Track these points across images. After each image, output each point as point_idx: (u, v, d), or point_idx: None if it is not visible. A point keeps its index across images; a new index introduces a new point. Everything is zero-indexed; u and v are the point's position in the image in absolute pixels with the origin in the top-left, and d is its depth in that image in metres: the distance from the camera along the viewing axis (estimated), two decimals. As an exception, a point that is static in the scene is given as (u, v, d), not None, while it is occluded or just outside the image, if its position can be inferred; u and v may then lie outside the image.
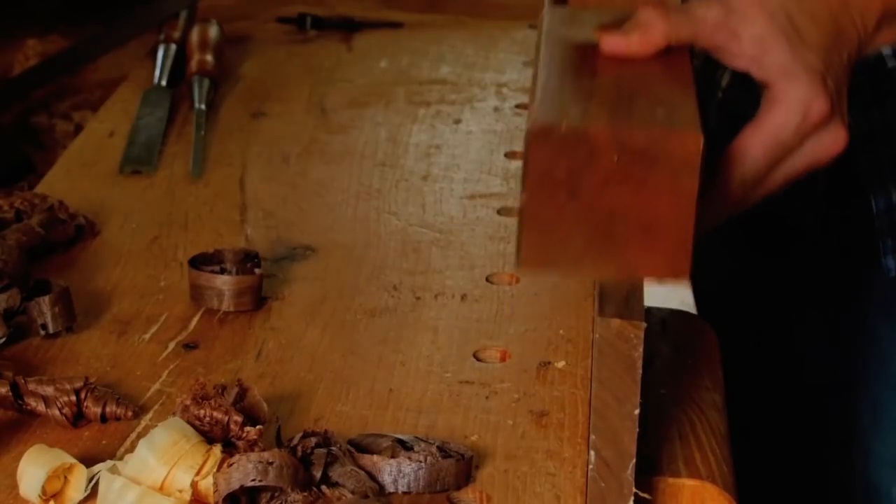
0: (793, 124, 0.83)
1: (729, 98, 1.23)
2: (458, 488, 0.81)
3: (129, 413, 0.87)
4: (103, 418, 0.86)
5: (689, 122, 0.72)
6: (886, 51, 1.13)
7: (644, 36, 0.82)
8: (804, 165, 0.85)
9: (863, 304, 1.28)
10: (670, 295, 1.52)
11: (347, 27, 1.56)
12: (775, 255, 1.36)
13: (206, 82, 1.35)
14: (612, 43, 0.82)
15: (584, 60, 0.81)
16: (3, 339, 0.94)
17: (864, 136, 1.16)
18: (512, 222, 1.13)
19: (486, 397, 0.90)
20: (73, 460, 0.80)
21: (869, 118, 1.16)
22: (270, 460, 0.76)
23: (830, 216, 1.27)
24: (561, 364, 0.93)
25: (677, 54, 0.82)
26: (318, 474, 0.79)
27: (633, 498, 0.77)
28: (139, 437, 0.83)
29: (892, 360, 1.26)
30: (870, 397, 1.29)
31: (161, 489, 0.78)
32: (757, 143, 0.83)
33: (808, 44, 0.84)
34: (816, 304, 1.35)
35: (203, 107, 1.32)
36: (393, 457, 0.81)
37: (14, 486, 0.80)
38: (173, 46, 1.43)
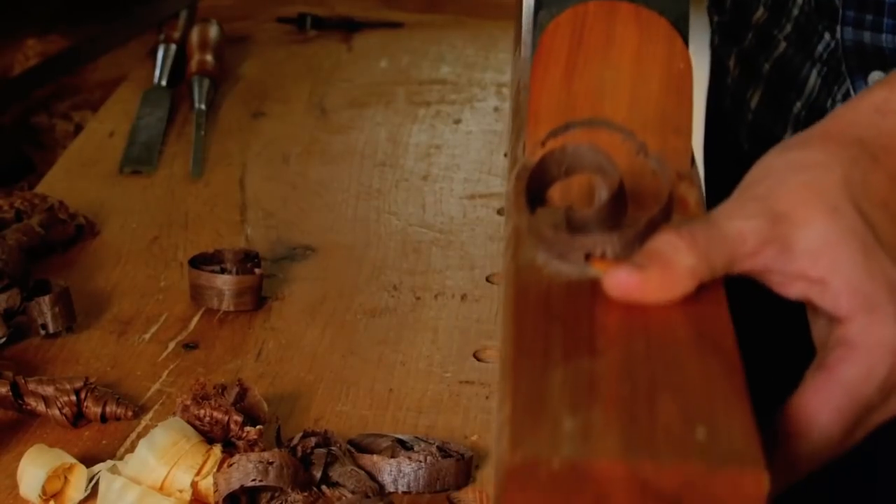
0: (879, 378, 0.60)
1: (761, 119, 1.14)
2: (458, 488, 0.81)
3: (129, 413, 0.87)
4: (103, 418, 0.86)
5: (747, 450, 0.49)
6: None
7: (666, 275, 0.59)
8: (887, 419, 0.63)
9: None
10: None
11: (347, 27, 1.56)
12: None
13: (206, 82, 1.35)
14: (621, 284, 0.58)
15: (576, 315, 0.57)
16: (3, 339, 0.94)
17: None
18: (512, 222, 1.13)
19: (486, 397, 0.90)
20: (73, 460, 0.80)
21: None
22: (270, 460, 0.76)
23: None
24: (561, 364, 0.93)
25: (710, 298, 0.59)
26: (318, 474, 0.79)
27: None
28: (139, 437, 0.83)
29: None
30: None
31: (161, 489, 0.78)
32: (830, 405, 0.60)
33: (889, 248, 0.61)
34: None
35: (203, 107, 1.32)
36: (393, 457, 0.81)
37: (14, 486, 0.80)
38: (173, 46, 1.43)
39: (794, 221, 0.61)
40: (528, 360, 0.54)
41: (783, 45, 1.10)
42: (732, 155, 1.23)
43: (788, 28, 1.09)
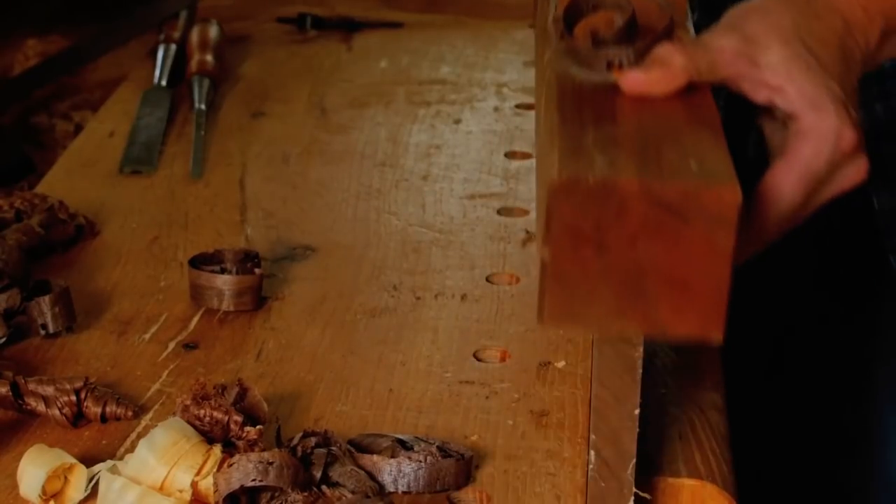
0: (824, 156, 0.81)
1: (733, 99, 1.21)
2: (458, 488, 0.81)
3: (129, 413, 0.87)
4: (103, 418, 0.86)
5: (724, 174, 0.68)
6: None
7: (665, 72, 0.78)
8: (831, 195, 0.84)
9: (876, 309, 1.28)
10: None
11: (347, 27, 1.56)
12: (778, 256, 1.36)
13: (206, 82, 1.35)
14: (632, 81, 0.78)
15: (601, 103, 0.76)
16: (3, 339, 0.94)
17: (867, 133, 1.16)
18: (512, 222, 1.13)
19: (486, 397, 0.90)
20: (73, 460, 0.80)
21: (872, 115, 1.16)
22: (270, 460, 0.76)
23: (832, 215, 1.27)
24: (561, 364, 0.93)
25: (700, 94, 0.78)
26: (318, 474, 0.79)
27: (633, 498, 0.77)
28: (139, 437, 0.83)
29: None
30: (887, 388, 1.29)
31: (161, 489, 0.78)
32: (790, 178, 0.81)
33: (826, 69, 0.82)
34: (827, 307, 1.35)
35: (203, 107, 1.32)
36: (393, 457, 0.81)
37: (14, 486, 0.80)
38: (173, 46, 1.43)
39: (759, 44, 0.81)
40: (568, 124, 0.73)
41: None
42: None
43: None
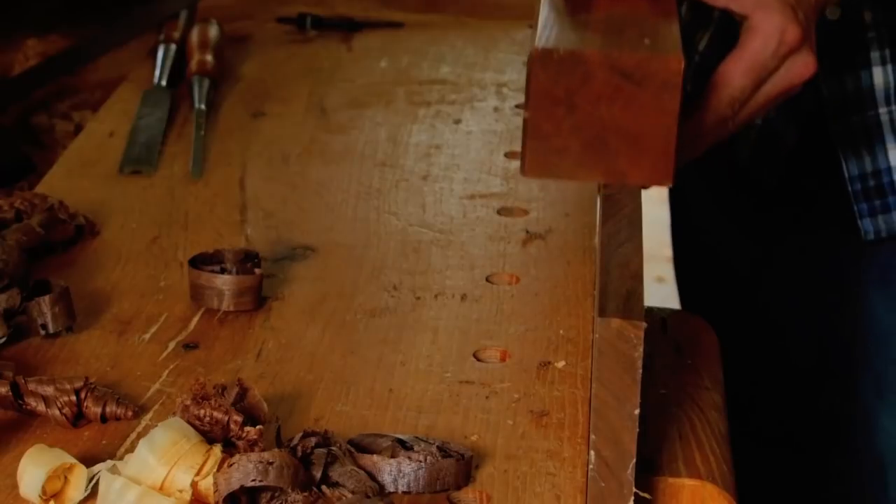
0: (770, 48, 0.91)
1: (706, 61, 1.26)
2: (458, 488, 0.81)
3: (129, 413, 0.87)
4: (103, 418, 0.86)
5: (672, 48, 0.80)
6: (867, 19, 1.16)
7: None
8: (782, 88, 0.93)
9: (853, 279, 1.29)
10: (671, 295, 1.53)
11: (347, 27, 1.56)
12: (752, 226, 1.37)
13: (206, 82, 1.35)
14: None
15: (581, 0, 0.89)
16: (3, 339, 0.94)
17: (837, 102, 1.20)
18: (512, 222, 1.13)
19: (486, 397, 0.90)
20: (73, 460, 0.80)
21: (842, 84, 1.19)
22: (270, 460, 0.76)
23: (805, 183, 1.29)
24: (561, 364, 0.93)
25: None
26: (318, 474, 0.79)
27: (633, 498, 0.77)
28: (139, 437, 0.83)
29: (893, 339, 1.27)
30: (872, 374, 1.30)
31: (161, 489, 0.78)
32: (740, 66, 0.91)
33: None
34: (804, 288, 1.35)
35: (203, 107, 1.32)
36: (393, 457, 0.81)
37: (14, 486, 0.80)
38: (173, 46, 1.43)
39: None
40: (550, 11, 0.84)
41: None
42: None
43: None
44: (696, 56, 1.30)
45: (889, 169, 1.22)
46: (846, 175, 1.23)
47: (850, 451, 1.34)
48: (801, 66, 0.92)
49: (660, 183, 0.80)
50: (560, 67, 0.78)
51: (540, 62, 0.78)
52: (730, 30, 1.06)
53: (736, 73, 0.91)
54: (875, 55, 1.20)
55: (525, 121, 0.80)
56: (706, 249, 1.45)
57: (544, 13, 0.86)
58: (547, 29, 0.82)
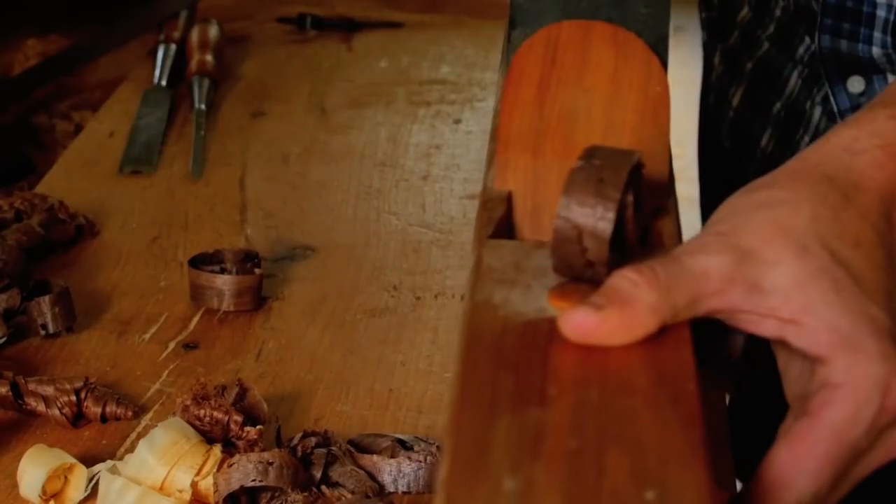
0: (866, 420, 0.57)
1: (740, 118, 1.15)
2: (458, 488, 0.81)
3: (129, 413, 0.87)
4: (103, 418, 0.86)
5: None
6: None
7: (626, 315, 0.55)
8: (877, 466, 0.59)
9: None
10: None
11: (347, 27, 1.56)
12: None
13: (206, 82, 1.35)
14: (577, 325, 0.54)
15: (529, 361, 0.53)
16: (3, 339, 0.94)
17: None
18: (512, 222, 1.13)
19: (486, 397, 0.90)
20: (73, 460, 0.80)
21: None
22: (270, 460, 0.76)
23: None
24: (561, 364, 0.93)
25: (673, 342, 0.55)
26: (318, 474, 0.79)
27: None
28: (139, 437, 0.83)
29: None
30: None
31: (161, 489, 0.78)
32: (816, 452, 0.57)
33: (864, 286, 0.58)
34: None
35: (203, 107, 1.32)
36: (393, 457, 0.81)
37: (14, 486, 0.80)
38: (173, 46, 1.43)
39: (761, 259, 0.58)
40: (472, 411, 0.51)
41: (766, 45, 1.10)
42: (713, 152, 1.23)
43: (771, 28, 1.09)
44: (730, 112, 1.17)
45: None
46: None
47: None
48: None
49: None
50: None
51: None
52: (762, 83, 0.99)
53: (807, 466, 0.56)
54: None
55: None
56: None
57: (458, 407, 0.51)
58: (462, 464, 0.48)
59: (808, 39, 1.04)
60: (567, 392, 0.51)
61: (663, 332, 0.55)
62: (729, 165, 1.04)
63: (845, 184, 0.61)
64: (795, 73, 1.07)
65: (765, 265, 0.57)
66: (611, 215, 0.57)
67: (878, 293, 0.58)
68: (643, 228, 0.62)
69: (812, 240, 0.58)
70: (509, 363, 0.53)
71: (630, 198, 0.59)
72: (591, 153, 0.59)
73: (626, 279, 0.55)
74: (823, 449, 0.56)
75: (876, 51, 0.99)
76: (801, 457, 0.57)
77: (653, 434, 0.49)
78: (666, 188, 0.66)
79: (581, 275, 0.58)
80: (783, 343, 0.59)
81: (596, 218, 0.57)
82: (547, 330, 0.54)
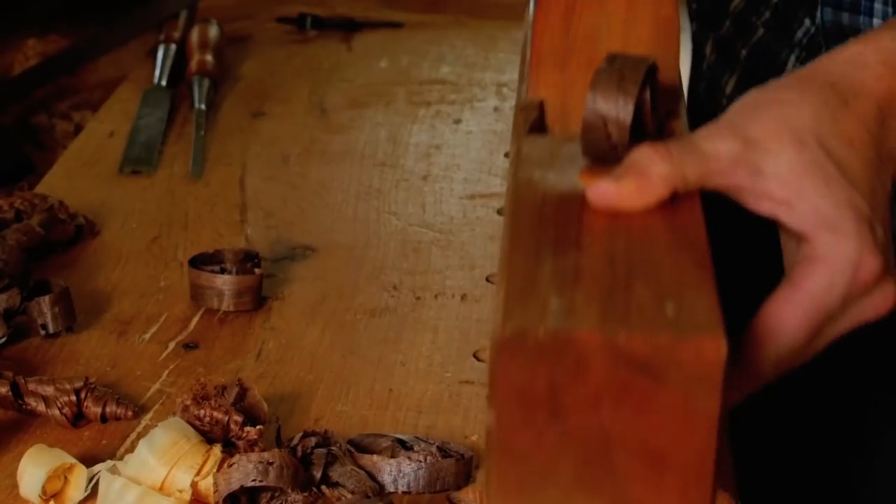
0: (839, 289, 0.68)
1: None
2: (458, 488, 0.81)
3: (129, 413, 0.87)
4: (103, 418, 0.86)
5: (708, 322, 0.56)
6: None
7: (641, 183, 0.65)
8: (846, 329, 0.70)
9: None
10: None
11: (347, 27, 1.56)
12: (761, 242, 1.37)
13: (206, 82, 1.35)
14: (601, 193, 0.65)
15: (566, 220, 0.64)
16: (3, 339, 0.94)
17: None
18: (512, 222, 1.13)
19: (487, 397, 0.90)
20: (73, 460, 0.80)
21: None
22: (270, 460, 0.76)
23: None
24: (561, 364, 0.93)
25: (686, 207, 0.66)
26: (318, 474, 0.79)
27: (633, 498, 0.76)
28: (139, 437, 0.83)
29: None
30: (869, 374, 1.29)
31: (161, 489, 0.78)
32: (796, 312, 0.68)
33: (851, 179, 0.68)
34: None
35: (203, 107, 1.32)
36: (393, 457, 0.81)
37: (14, 486, 0.80)
38: (173, 46, 1.43)
39: (765, 148, 0.67)
40: (521, 253, 0.61)
41: (761, 30, 1.10)
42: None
43: (767, 15, 1.09)
44: (724, 100, 1.18)
45: None
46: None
47: (843, 456, 1.34)
48: (878, 302, 0.69)
49: None
50: (540, 356, 0.55)
51: (510, 351, 0.56)
52: (757, 71, 1.02)
53: (789, 321, 0.68)
54: None
55: (489, 429, 0.59)
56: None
57: (510, 250, 0.62)
58: (517, 289, 0.58)
59: (807, 22, 1.05)
60: (599, 241, 0.62)
61: (679, 199, 0.65)
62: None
63: (846, 90, 0.70)
64: (793, 57, 1.07)
65: (768, 153, 0.67)
66: (630, 106, 0.67)
67: (863, 187, 0.68)
68: (659, 124, 0.72)
69: (810, 136, 0.68)
70: (549, 221, 0.64)
71: (647, 95, 0.70)
72: (612, 58, 0.69)
73: (642, 153, 0.66)
74: (802, 311, 0.67)
75: (877, 22, 0.99)
76: (784, 316, 0.68)
77: (670, 270, 0.60)
78: (677, 95, 0.77)
79: (606, 157, 0.67)
80: (778, 222, 0.69)
81: (618, 108, 0.67)
82: (580, 199, 0.65)
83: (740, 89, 1.16)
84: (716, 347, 0.55)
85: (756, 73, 1.12)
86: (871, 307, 0.70)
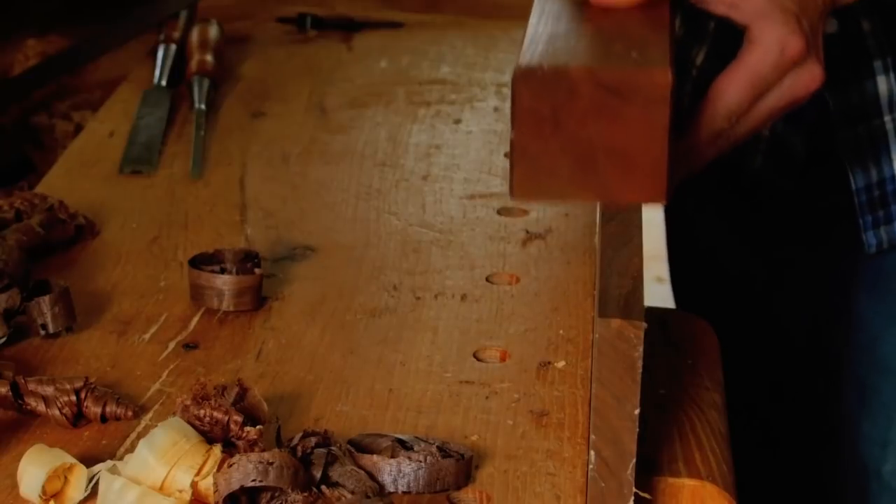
0: (770, 60, 0.87)
1: (704, 75, 1.24)
2: (458, 488, 0.81)
3: (129, 413, 0.87)
4: (103, 418, 0.86)
5: (660, 61, 0.77)
6: (866, 28, 1.16)
7: None
8: (786, 101, 0.89)
9: (847, 286, 1.29)
10: (670, 295, 1.53)
11: (347, 27, 1.56)
12: (751, 233, 1.37)
13: (206, 82, 1.36)
14: None
15: (573, 12, 0.85)
16: (3, 339, 0.95)
17: (843, 112, 1.19)
18: (512, 222, 1.13)
19: (486, 397, 0.90)
20: (73, 460, 0.80)
21: (847, 95, 1.18)
22: (270, 460, 0.76)
23: (811, 191, 1.28)
24: (561, 364, 0.93)
25: (658, 6, 0.87)
26: (318, 474, 0.79)
27: (633, 498, 0.77)
28: (139, 437, 0.83)
29: (878, 343, 1.27)
30: (856, 379, 1.30)
31: (161, 489, 0.78)
32: (736, 79, 0.87)
33: None
34: (799, 287, 1.35)
35: (203, 107, 1.32)
36: (393, 457, 0.81)
37: (14, 486, 0.80)
38: (173, 46, 1.43)
39: None
40: (538, 25, 0.82)
41: None
42: (674, 112, 1.25)
43: None
44: (693, 70, 1.28)
45: (893, 177, 1.20)
46: (853, 187, 1.20)
47: (836, 457, 1.34)
48: (807, 79, 0.88)
49: (652, 201, 0.77)
50: (544, 85, 0.75)
51: (523, 80, 0.76)
52: (726, 43, 1.05)
53: (732, 86, 0.87)
54: (877, 64, 1.18)
55: (511, 142, 0.77)
56: (703, 254, 1.45)
57: (532, 25, 0.83)
58: (532, 44, 0.80)
59: None
60: (593, 21, 0.83)
61: (651, 4, 0.86)
62: (691, 122, 1.07)
63: None
64: None
65: None
66: None
67: None
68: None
69: None
70: (564, 11, 0.85)
71: None
72: None
73: None
74: (743, 76, 0.87)
75: None
76: (726, 83, 0.87)
77: (638, 34, 0.81)
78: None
79: None
80: (730, 19, 0.89)
81: None
82: (584, 3, 0.86)
83: (711, 61, 1.24)
84: (664, 74, 0.74)
85: (726, 45, 1.13)
86: (802, 84, 0.88)
